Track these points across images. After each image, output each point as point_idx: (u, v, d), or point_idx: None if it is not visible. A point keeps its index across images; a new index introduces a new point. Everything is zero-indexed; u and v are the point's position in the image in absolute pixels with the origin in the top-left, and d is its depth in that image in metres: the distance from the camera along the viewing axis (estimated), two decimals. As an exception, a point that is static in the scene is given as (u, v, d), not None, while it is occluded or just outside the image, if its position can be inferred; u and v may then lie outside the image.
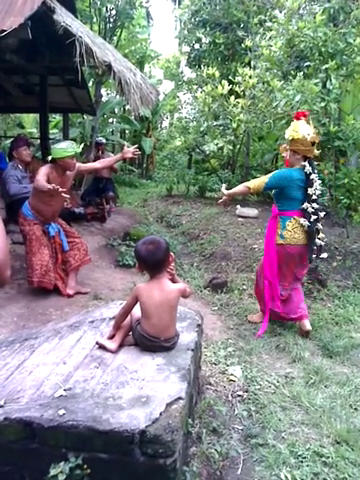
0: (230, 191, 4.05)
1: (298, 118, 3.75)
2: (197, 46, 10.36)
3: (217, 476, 2.27)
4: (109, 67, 5.54)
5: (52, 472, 1.79)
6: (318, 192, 3.79)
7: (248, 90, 5.52)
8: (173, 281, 2.54)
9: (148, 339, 2.41)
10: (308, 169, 3.73)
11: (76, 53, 4.98)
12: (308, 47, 5.28)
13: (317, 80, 5.09)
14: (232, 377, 3.15)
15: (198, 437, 2.45)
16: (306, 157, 3.77)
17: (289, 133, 3.72)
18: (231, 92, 5.62)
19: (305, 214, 3.77)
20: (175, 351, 2.45)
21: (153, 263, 2.43)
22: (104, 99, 13.16)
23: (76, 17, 6.40)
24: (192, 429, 2.37)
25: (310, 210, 3.75)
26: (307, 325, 3.93)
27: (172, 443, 1.81)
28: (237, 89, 5.60)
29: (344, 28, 5.21)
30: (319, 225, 3.85)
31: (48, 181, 4.07)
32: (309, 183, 3.74)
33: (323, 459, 2.37)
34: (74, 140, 12.67)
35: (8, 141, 11.03)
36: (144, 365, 2.30)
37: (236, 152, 10.55)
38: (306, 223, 3.75)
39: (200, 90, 6.02)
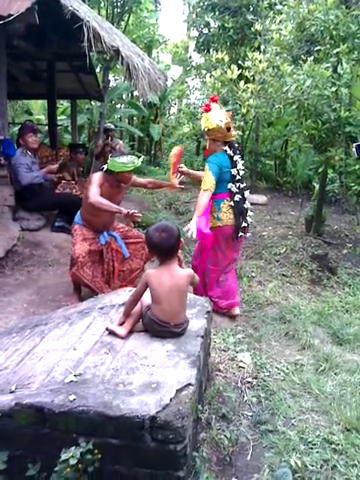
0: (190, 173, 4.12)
1: (207, 110, 3.80)
2: (206, 30, 10.19)
3: (227, 462, 2.28)
4: (117, 52, 5.48)
5: (63, 457, 1.80)
6: (242, 173, 3.94)
7: (258, 75, 5.43)
8: (180, 268, 2.54)
9: (158, 324, 2.41)
10: (229, 152, 3.86)
11: (84, 38, 4.93)
12: (319, 30, 5.18)
13: (328, 64, 5.00)
14: (241, 364, 3.15)
15: (208, 423, 2.47)
16: (226, 142, 3.88)
17: (203, 125, 3.82)
18: (240, 77, 5.53)
19: (231, 194, 3.89)
20: (185, 338, 2.45)
21: (165, 250, 2.42)
22: (112, 85, 13.05)
23: (83, 1, 6.32)
24: (202, 415, 2.38)
25: (234, 190, 3.87)
26: (236, 310, 4.11)
27: (182, 429, 1.81)
28: (247, 74, 5.51)
29: (357, 10, 5.09)
30: (247, 204, 4.00)
31: (100, 193, 3.82)
32: (233, 164, 3.87)
33: (333, 446, 2.38)
34: (81, 127, 12.63)
35: (16, 128, 11.00)
36: (154, 351, 2.30)
37: (245, 138, 10.42)
38: (231, 203, 3.88)
39: (209, 75, 5.92)
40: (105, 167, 3.93)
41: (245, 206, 3.95)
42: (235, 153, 3.91)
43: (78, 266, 3.89)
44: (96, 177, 3.92)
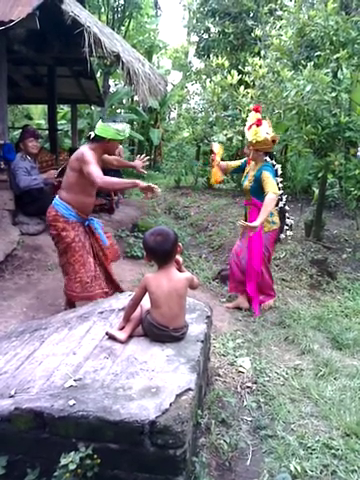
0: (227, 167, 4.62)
1: (259, 125, 4.02)
2: (206, 36, 10.25)
3: (226, 467, 2.28)
4: (117, 57, 5.51)
5: (63, 462, 1.80)
6: (280, 179, 4.26)
7: (258, 80, 5.46)
8: (180, 271, 2.54)
9: (157, 328, 2.41)
10: (272, 162, 4.22)
11: (84, 43, 4.96)
12: (319, 36, 5.20)
13: (328, 70, 5.02)
14: (241, 368, 3.15)
15: (207, 428, 2.46)
16: (267, 152, 4.20)
17: (251, 137, 4.07)
18: (240, 82, 5.55)
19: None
20: (185, 342, 2.45)
21: (162, 254, 2.42)
22: (112, 90, 13.10)
23: (84, 7, 6.36)
24: (201, 420, 2.38)
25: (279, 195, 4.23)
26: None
27: (182, 434, 1.81)
28: (247, 79, 5.54)
29: (356, 16, 5.12)
30: (286, 207, 4.42)
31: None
32: (275, 172, 4.19)
33: (332, 451, 2.37)
34: (82, 131, 12.66)
35: (16, 132, 11.02)
36: (154, 356, 2.30)
37: (245, 143, 10.45)
38: (277, 208, 4.25)
39: (209, 80, 5.95)
40: (92, 134, 3.54)
41: (286, 208, 4.40)
42: (275, 162, 4.25)
43: (89, 290, 3.58)
44: (90, 154, 3.40)
